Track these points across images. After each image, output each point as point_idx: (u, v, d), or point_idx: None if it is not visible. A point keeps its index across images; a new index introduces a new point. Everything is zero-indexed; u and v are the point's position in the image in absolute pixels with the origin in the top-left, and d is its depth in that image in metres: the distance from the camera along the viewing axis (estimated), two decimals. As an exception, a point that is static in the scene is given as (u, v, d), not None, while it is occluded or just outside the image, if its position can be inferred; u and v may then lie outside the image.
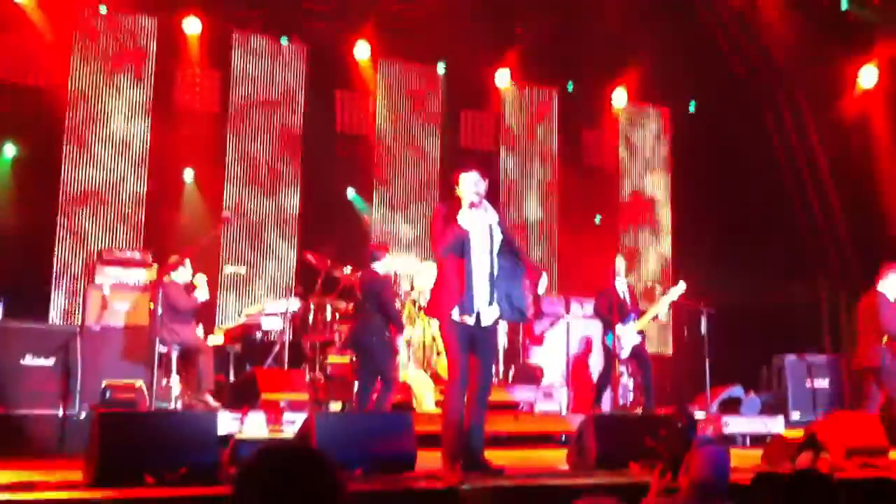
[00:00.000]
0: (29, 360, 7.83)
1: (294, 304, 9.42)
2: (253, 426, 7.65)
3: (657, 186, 14.51)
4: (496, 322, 6.22)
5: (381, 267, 8.53)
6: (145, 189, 11.27)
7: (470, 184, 6.10)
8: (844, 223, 13.34)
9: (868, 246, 12.92)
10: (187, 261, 8.75)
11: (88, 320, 8.59)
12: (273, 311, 9.44)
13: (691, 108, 14.43)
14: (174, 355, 8.32)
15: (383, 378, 8.18)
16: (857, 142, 12.58)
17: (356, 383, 8.31)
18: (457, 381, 5.99)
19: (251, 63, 12.14)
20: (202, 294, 8.82)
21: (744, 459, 6.90)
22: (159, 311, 7.75)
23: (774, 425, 9.73)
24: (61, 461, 5.98)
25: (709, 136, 13.58)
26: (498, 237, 6.14)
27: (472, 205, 6.05)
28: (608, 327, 9.64)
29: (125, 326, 8.61)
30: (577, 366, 10.98)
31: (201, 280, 8.90)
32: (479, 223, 6.07)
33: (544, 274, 6.42)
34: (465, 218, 6.00)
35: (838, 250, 13.51)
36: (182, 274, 8.74)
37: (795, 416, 10.14)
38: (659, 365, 11.49)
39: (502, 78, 13.39)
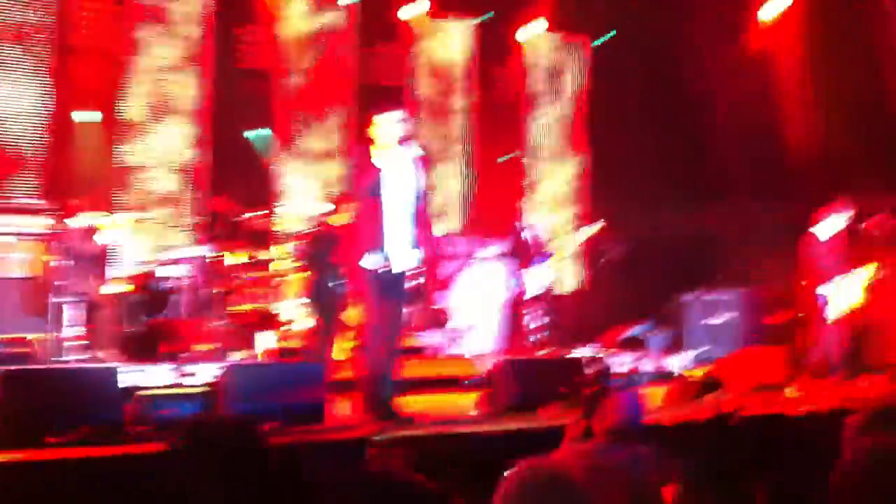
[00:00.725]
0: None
1: (196, 250, 9.17)
2: (156, 377, 7.45)
3: (569, 117, 14.44)
4: (407, 267, 6.18)
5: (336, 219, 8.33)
6: (40, 133, 10.73)
7: (388, 124, 6.02)
8: (743, 154, 13.59)
9: (768, 177, 13.21)
10: (86, 207, 8.44)
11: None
12: (175, 258, 9.18)
13: (607, 36, 14.34)
14: (72, 307, 8.03)
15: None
16: (759, 74, 12.80)
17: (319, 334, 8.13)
18: (373, 327, 5.96)
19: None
20: (107, 237, 8.53)
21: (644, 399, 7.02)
22: (58, 260, 7.47)
23: (675, 363, 9.97)
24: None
25: (622, 65, 13.56)
26: (412, 180, 6.08)
27: (388, 146, 5.99)
28: (515, 267, 9.69)
29: (19, 277, 8.26)
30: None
31: (107, 221, 8.60)
32: (395, 165, 6.01)
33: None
34: (380, 159, 5.94)
35: (739, 182, 13.75)
36: (81, 220, 8.42)
37: (694, 353, 10.36)
38: (569, 303, 11.63)
39: (416, 9, 13.12)
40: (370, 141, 6.12)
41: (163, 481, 4.16)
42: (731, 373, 7.07)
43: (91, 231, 8.50)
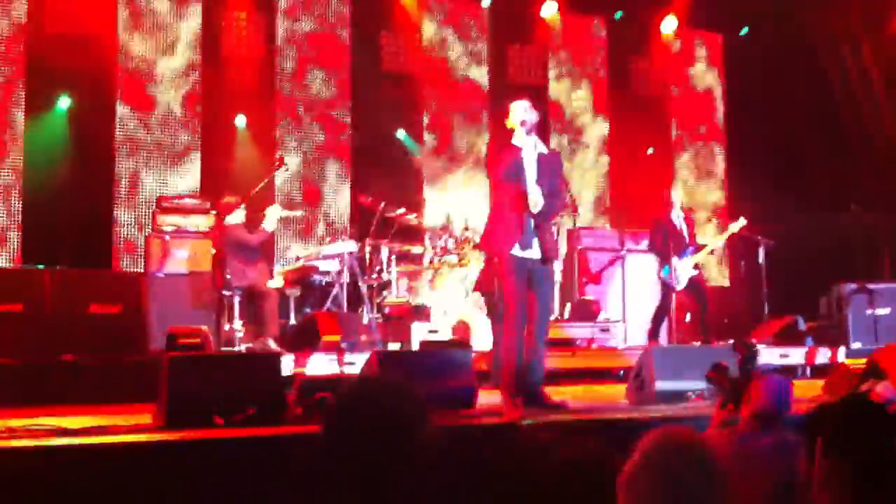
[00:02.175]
0: (94, 307, 8.00)
1: (350, 245, 9.50)
2: (316, 367, 7.77)
3: (710, 114, 14.27)
4: (549, 257, 6.23)
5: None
6: (199, 136, 11.37)
7: (520, 111, 6.11)
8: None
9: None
10: (242, 205, 8.87)
11: (151, 268, 8.75)
12: (330, 254, 9.53)
13: (742, 33, 14.10)
14: (237, 300, 8.47)
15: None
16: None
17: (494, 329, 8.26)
18: (514, 317, 6.03)
19: (296, 4, 12.09)
20: (270, 224, 8.93)
21: (805, 390, 6.87)
22: (223, 254, 7.90)
23: (837, 354, 9.68)
24: (131, 406, 6.13)
25: (761, 61, 13.29)
26: (546, 170, 6.13)
27: (527, 132, 6.07)
28: (664, 260, 9.60)
29: (188, 273, 8.75)
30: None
31: (273, 211, 9.01)
32: (531, 151, 6.09)
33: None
34: (519, 140, 6.04)
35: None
36: (237, 216, 8.86)
37: (856, 345, 10.02)
38: (716, 297, 11.44)
39: (548, 9, 13.18)
40: (509, 131, 6.22)
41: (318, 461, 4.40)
42: (893, 363, 6.81)
43: (251, 226, 8.91)
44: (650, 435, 2.37)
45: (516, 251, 6.03)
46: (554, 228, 6.41)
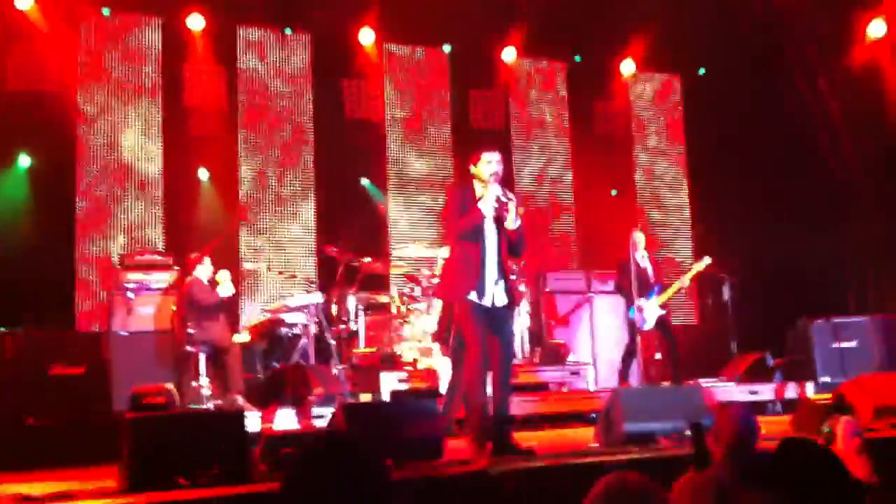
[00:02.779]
0: (57, 369, 7.88)
1: (316, 297, 9.45)
2: (283, 422, 7.69)
3: (672, 153, 14.42)
4: (509, 303, 6.25)
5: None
6: (161, 191, 11.32)
7: (491, 164, 6.16)
8: (864, 178, 13.25)
9: (891, 201, 12.85)
10: (206, 258, 8.83)
11: (115, 326, 8.65)
12: (295, 306, 9.47)
13: (701, 72, 14.31)
14: (202, 356, 8.38)
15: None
16: (869, 91, 12.46)
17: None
18: (478, 363, 6.02)
19: (256, 57, 12.14)
20: (226, 290, 8.88)
21: (776, 426, 6.89)
22: (184, 311, 7.82)
23: (803, 389, 9.73)
24: (95, 469, 6.03)
25: (721, 98, 13.47)
26: (511, 217, 6.14)
27: (489, 184, 6.11)
28: (631, 301, 9.63)
29: (152, 331, 8.67)
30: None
31: (225, 276, 8.97)
32: (492, 204, 6.12)
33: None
34: (484, 201, 6.06)
35: (860, 206, 13.41)
36: (203, 271, 8.82)
37: (824, 379, 10.07)
38: (685, 335, 11.49)
39: (508, 54, 13.32)
40: (471, 177, 6.26)
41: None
42: (859, 396, 6.85)
43: (214, 282, 8.87)
44: (602, 481, 2.38)
45: (474, 297, 6.04)
46: (514, 271, 6.42)
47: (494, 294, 6.10)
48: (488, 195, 6.10)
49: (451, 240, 6.33)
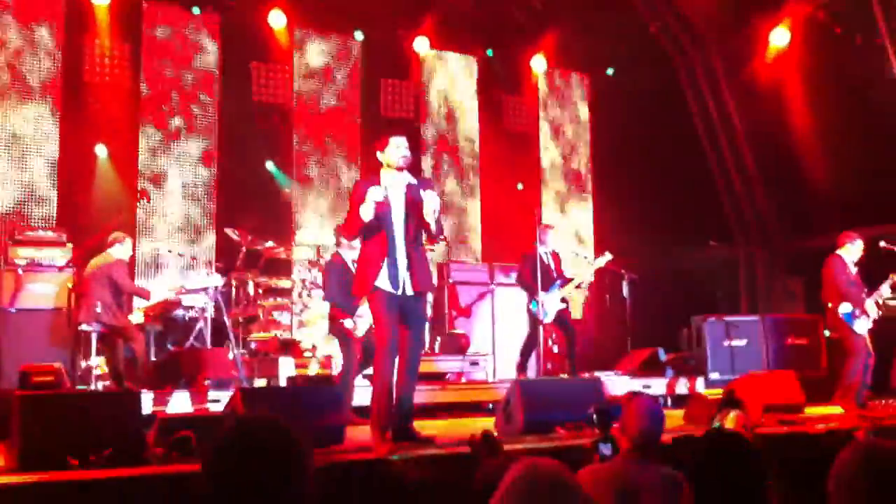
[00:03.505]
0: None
1: (215, 279, 9.27)
2: (177, 406, 7.54)
3: (578, 151, 14.65)
4: (421, 291, 6.20)
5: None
6: (56, 165, 10.94)
7: (397, 148, 6.08)
8: (760, 184, 13.68)
9: (784, 206, 13.31)
10: (127, 239, 8.57)
11: (3, 303, 8.35)
12: (193, 288, 9.28)
13: (609, 73, 14.56)
14: (94, 336, 8.13)
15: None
16: (772, 103, 12.83)
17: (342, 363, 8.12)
18: (385, 350, 5.97)
19: (163, 34, 11.84)
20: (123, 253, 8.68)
21: (667, 421, 7.04)
22: (95, 290, 7.61)
23: (695, 385, 10.00)
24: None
25: (627, 100, 13.72)
26: (423, 202, 6.08)
27: (398, 168, 6.05)
28: (532, 294, 9.72)
29: (43, 308, 8.39)
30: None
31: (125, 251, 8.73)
32: (400, 190, 6.06)
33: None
34: (386, 183, 6.00)
35: (755, 211, 13.86)
36: (122, 251, 8.54)
37: (714, 375, 10.36)
38: (582, 330, 11.68)
39: (421, 45, 13.31)
40: (378, 165, 6.20)
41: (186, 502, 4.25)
42: (748, 393, 7.07)
43: (115, 262, 8.61)
44: (516, 466, 2.35)
45: (385, 286, 5.98)
46: (428, 258, 6.38)
47: (405, 281, 6.05)
48: (392, 177, 6.06)
49: (359, 224, 6.19)
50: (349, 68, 13.05)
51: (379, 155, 6.18)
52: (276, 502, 2.18)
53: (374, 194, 5.89)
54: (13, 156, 10.70)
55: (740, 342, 10.68)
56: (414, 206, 6.06)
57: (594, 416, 4.73)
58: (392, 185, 6.06)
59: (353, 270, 6.93)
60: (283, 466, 2.20)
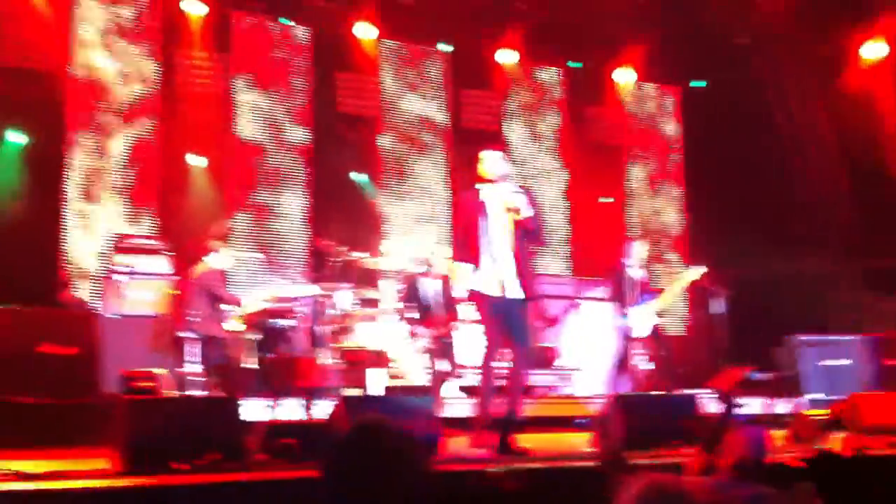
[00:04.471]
0: (46, 348, 7.76)
1: (310, 289, 9.38)
2: (275, 412, 7.63)
3: (668, 163, 14.46)
4: (523, 297, 6.26)
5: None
6: (156, 175, 11.21)
7: (495, 161, 6.19)
8: (854, 198, 13.34)
9: (878, 221, 12.94)
10: (224, 248, 8.76)
11: (106, 308, 8.56)
12: (288, 297, 9.39)
13: (698, 85, 14.34)
14: (196, 344, 8.28)
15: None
16: (865, 115, 12.54)
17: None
18: (489, 354, 6.16)
19: (254, 46, 12.04)
20: (223, 276, 8.86)
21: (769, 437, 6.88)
22: (193, 297, 7.78)
23: (792, 406, 9.74)
24: (85, 450, 5.96)
25: (716, 112, 13.52)
26: (520, 212, 6.19)
27: (493, 181, 6.15)
28: (621, 308, 9.61)
29: (145, 315, 8.58)
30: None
31: (224, 261, 8.92)
32: (499, 200, 6.17)
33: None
34: (486, 194, 6.11)
35: (848, 226, 13.51)
36: (219, 259, 8.73)
37: (811, 396, 10.09)
38: (674, 345, 11.50)
39: (506, 56, 13.31)
40: (476, 178, 6.31)
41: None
42: (851, 414, 6.88)
43: (212, 271, 8.78)
44: (635, 482, 2.35)
45: (489, 290, 6.02)
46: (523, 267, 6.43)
47: (508, 286, 6.12)
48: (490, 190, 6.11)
49: (461, 236, 6.38)
50: (434, 79, 13.10)
51: (479, 167, 6.30)
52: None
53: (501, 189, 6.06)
54: (116, 164, 10.99)
55: (837, 362, 10.40)
56: (522, 221, 6.21)
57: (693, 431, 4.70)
58: (491, 197, 6.16)
59: None
60: (402, 469, 2.26)
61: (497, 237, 6.17)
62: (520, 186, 6.39)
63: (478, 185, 6.35)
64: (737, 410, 4.43)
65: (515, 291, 6.19)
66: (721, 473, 4.03)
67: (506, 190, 6.25)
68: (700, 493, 3.79)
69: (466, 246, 6.29)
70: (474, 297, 6.21)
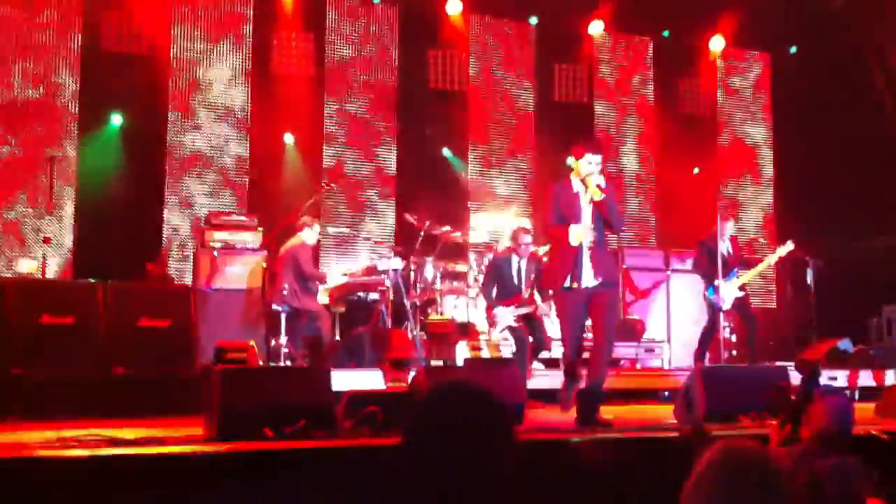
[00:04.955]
0: (144, 322, 8.06)
1: (395, 263, 9.54)
2: (362, 382, 7.81)
3: (758, 134, 14.18)
4: (607, 284, 6.31)
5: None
6: (248, 154, 11.51)
7: (591, 165, 6.26)
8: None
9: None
10: (316, 223, 9.00)
11: (199, 283, 8.85)
12: (375, 271, 9.58)
13: (791, 51, 14.01)
14: (283, 316, 8.53)
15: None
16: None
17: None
18: (569, 349, 6.37)
19: (345, 24, 12.20)
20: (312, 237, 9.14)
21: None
22: (283, 271, 8.00)
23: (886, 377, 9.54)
24: (178, 419, 6.20)
25: (809, 80, 13.20)
26: (605, 204, 6.25)
27: (585, 176, 6.20)
28: (709, 281, 9.53)
29: (236, 289, 8.85)
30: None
31: (313, 236, 9.17)
32: (589, 191, 6.22)
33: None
34: (576, 187, 6.17)
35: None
36: (310, 235, 8.99)
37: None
38: (763, 318, 11.32)
39: (595, 28, 13.20)
40: (569, 169, 6.35)
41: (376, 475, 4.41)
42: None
43: (301, 246, 9.01)
44: (714, 448, 2.31)
45: (569, 282, 6.19)
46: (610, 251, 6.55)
47: (588, 275, 6.20)
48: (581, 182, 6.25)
49: (548, 226, 6.57)
50: (524, 53, 13.08)
51: (570, 161, 6.35)
52: (479, 468, 2.12)
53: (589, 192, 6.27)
54: (210, 144, 11.32)
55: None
56: (600, 206, 6.27)
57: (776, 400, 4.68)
58: (580, 188, 6.32)
59: None
60: (485, 433, 2.14)
61: (584, 230, 6.22)
62: (605, 175, 6.41)
63: (570, 177, 6.38)
64: (820, 381, 4.38)
65: (593, 278, 6.24)
66: (804, 444, 4.00)
67: (593, 179, 6.27)
68: (782, 461, 3.80)
69: (555, 234, 6.39)
70: (560, 293, 6.32)
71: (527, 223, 11.12)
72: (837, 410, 3.97)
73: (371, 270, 9.89)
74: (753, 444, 2.32)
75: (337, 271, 10.16)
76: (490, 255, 9.75)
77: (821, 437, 3.93)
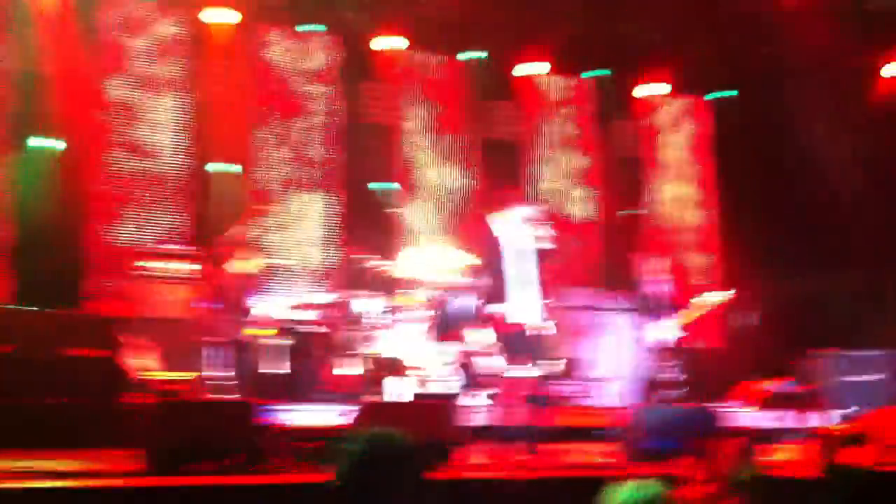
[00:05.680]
0: (73, 351, 7.84)
1: (332, 296, 9.48)
2: (297, 417, 7.70)
3: (695, 179, 14.39)
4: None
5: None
6: (184, 181, 11.34)
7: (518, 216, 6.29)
8: (882, 212, 13.23)
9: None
10: (244, 252, 8.89)
11: (133, 311, 8.69)
12: (313, 304, 9.50)
13: (729, 95, 14.27)
14: (221, 348, 8.39)
15: None
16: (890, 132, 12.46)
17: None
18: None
19: (279, 55, 12.15)
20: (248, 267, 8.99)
21: (789, 454, 6.87)
22: (204, 303, 7.86)
23: (819, 420, 9.66)
24: (112, 451, 6.04)
25: (749, 126, 13.46)
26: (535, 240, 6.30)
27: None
28: (649, 321, 9.61)
29: (170, 318, 8.70)
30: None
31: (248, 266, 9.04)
32: (517, 227, 6.27)
33: None
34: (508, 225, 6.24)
35: (876, 239, 13.37)
36: (239, 264, 8.87)
37: (838, 411, 10.00)
38: (704, 359, 11.43)
39: (532, 68, 13.33)
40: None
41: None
42: (875, 429, 6.83)
43: (234, 276, 8.90)
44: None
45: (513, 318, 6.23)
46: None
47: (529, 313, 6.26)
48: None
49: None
50: (459, 90, 13.15)
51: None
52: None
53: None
54: (146, 170, 11.09)
55: (866, 377, 10.31)
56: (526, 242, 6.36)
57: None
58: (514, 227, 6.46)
59: None
60: (404, 477, 2.45)
61: (518, 265, 6.26)
62: (540, 213, 6.45)
63: (498, 216, 6.41)
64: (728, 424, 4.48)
65: (536, 316, 6.29)
66: (713, 484, 4.08)
67: (528, 220, 6.32)
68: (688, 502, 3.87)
69: (489, 272, 6.43)
70: (497, 322, 6.33)
71: (463, 259, 11.11)
72: (737, 452, 4.07)
73: (309, 304, 9.81)
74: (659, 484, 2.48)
75: (275, 303, 10.04)
76: (434, 291, 9.73)
77: (724, 478, 4.02)
